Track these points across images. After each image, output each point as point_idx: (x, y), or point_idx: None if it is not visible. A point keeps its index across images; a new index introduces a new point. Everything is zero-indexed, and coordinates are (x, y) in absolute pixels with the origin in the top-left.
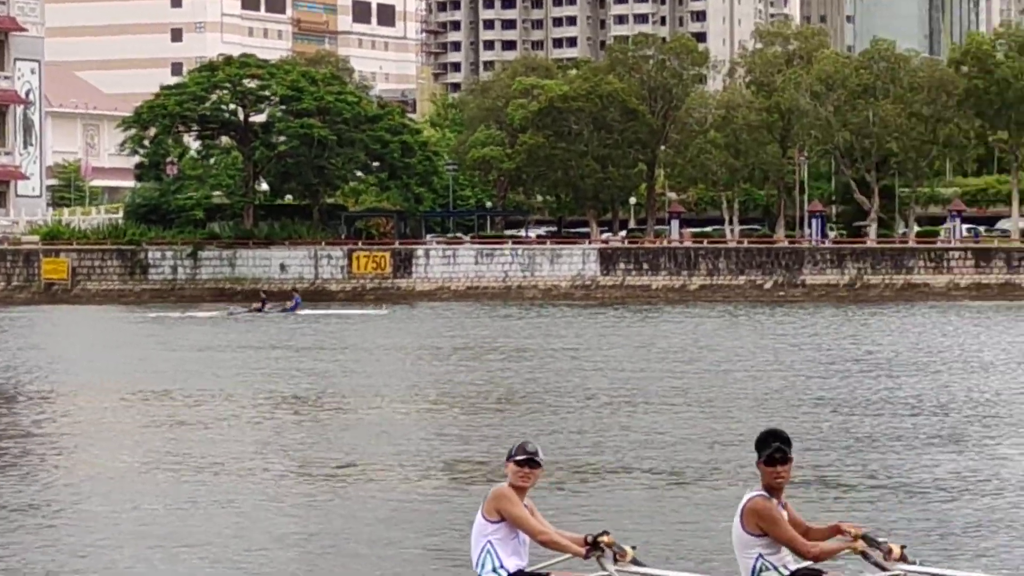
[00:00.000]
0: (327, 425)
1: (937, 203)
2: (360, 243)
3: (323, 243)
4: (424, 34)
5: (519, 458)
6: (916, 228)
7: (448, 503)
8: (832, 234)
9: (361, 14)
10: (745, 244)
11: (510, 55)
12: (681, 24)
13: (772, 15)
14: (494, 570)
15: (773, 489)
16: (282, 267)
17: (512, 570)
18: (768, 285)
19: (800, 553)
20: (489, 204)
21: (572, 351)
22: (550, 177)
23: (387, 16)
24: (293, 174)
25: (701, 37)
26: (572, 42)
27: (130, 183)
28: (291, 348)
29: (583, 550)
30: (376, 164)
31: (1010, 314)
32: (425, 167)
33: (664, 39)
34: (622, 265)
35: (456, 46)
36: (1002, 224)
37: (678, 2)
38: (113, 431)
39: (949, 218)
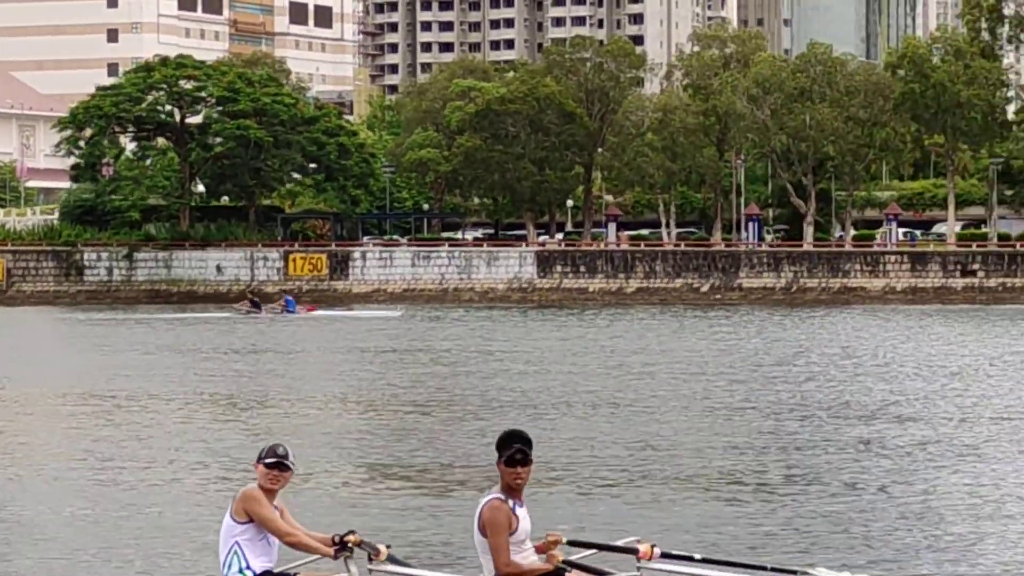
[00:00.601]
0: (255, 427)
1: (873, 207)
2: (296, 245)
3: (259, 245)
4: (361, 36)
5: (268, 461)
6: (852, 232)
7: (373, 503)
8: (769, 237)
9: (298, 15)
10: (682, 247)
11: (447, 57)
12: (618, 27)
13: (709, 18)
14: (240, 571)
15: (512, 490)
16: (218, 269)
17: (259, 571)
18: (705, 288)
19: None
20: (426, 206)
21: (503, 354)
22: (487, 179)
23: (324, 18)
24: (229, 175)
25: (638, 40)
26: (509, 44)
27: (66, 184)
28: (231, 351)
29: (331, 550)
30: (313, 166)
31: (938, 318)
32: (362, 169)
33: (601, 42)
34: (559, 268)
35: (393, 48)
36: (938, 228)
37: (615, 5)
38: (46, 433)
39: (885, 222)
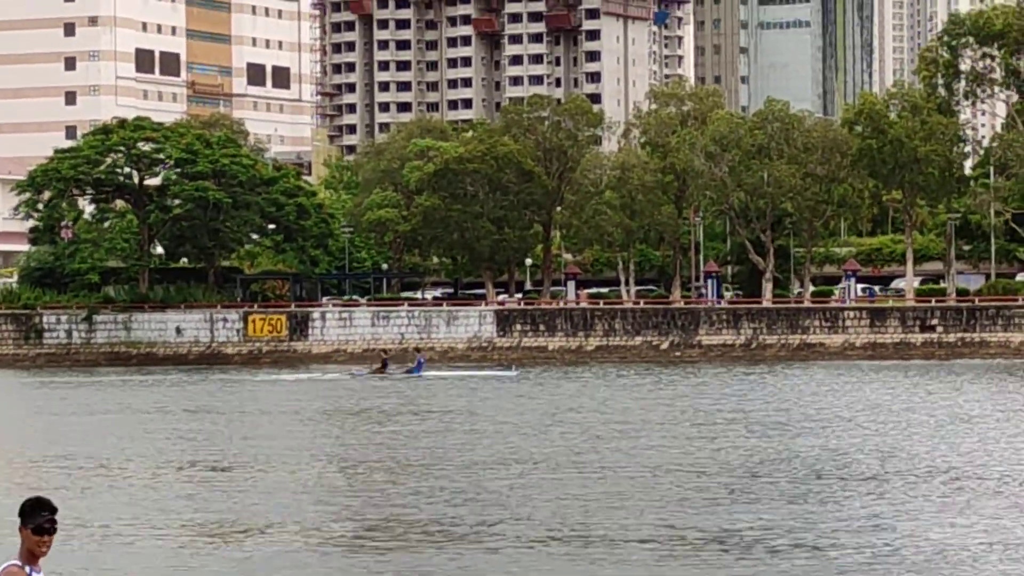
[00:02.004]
0: (216, 487)
1: (832, 263)
2: (256, 306)
3: (219, 306)
4: (319, 96)
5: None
6: (811, 288)
7: (334, 561)
8: (728, 294)
9: (256, 77)
10: (641, 305)
11: (405, 117)
12: (576, 85)
13: (666, 76)
14: None
15: (34, 556)
16: (178, 330)
17: None
18: (664, 346)
19: None
20: (385, 266)
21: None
22: (446, 239)
23: (282, 78)
24: (188, 237)
25: (596, 98)
26: (467, 104)
27: (24, 247)
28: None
29: None
30: (272, 226)
31: (897, 374)
32: (321, 229)
33: (559, 100)
34: (519, 326)
35: (351, 108)
36: (897, 283)
37: (572, 63)
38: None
39: (844, 278)
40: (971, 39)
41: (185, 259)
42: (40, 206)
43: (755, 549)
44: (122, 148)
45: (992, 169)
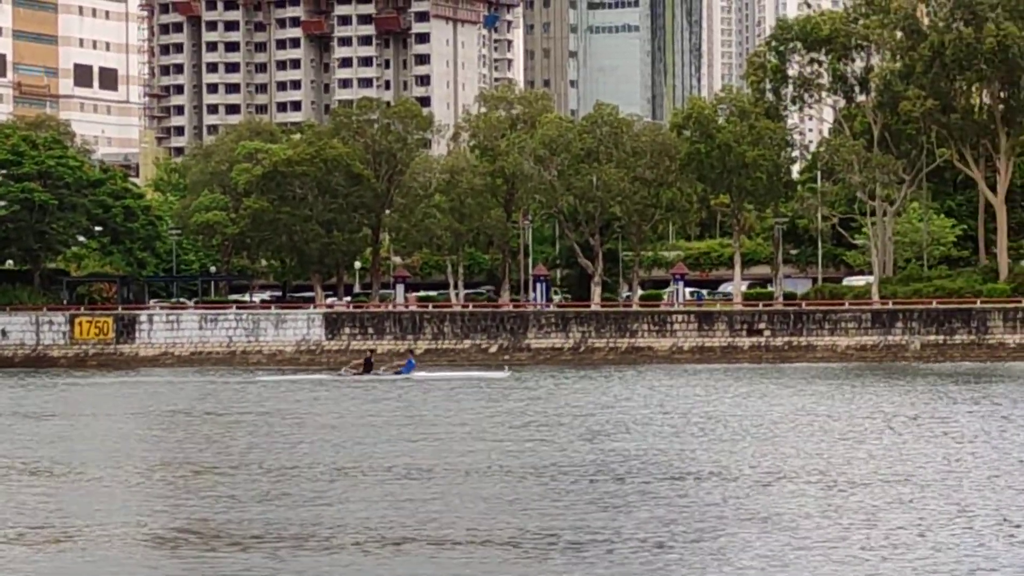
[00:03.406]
0: (38, 491)
1: (660, 266)
2: (82, 308)
3: (44, 308)
4: (147, 98)
5: None
6: (640, 292)
7: (153, 565)
8: (557, 298)
9: (83, 78)
10: (470, 308)
11: (234, 119)
12: (405, 88)
13: (496, 79)
14: None
15: None
16: (3, 333)
17: None
18: (493, 349)
19: None
20: (213, 269)
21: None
22: (274, 241)
23: (109, 80)
24: (13, 239)
25: (425, 101)
26: (296, 106)
27: None
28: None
29: None
30: (98, 229)
31: (721, 377)
32: (148, 231)
33: (388, 103)
34: (347, 329)
35: (179, 110)
36: (724, 287)
37: (402, 66)
38: None
39: (672, 281)
40: (799, 44)
41: (10, 261)
42: None
43: (564, 549)
44: None
45: (819, 174)
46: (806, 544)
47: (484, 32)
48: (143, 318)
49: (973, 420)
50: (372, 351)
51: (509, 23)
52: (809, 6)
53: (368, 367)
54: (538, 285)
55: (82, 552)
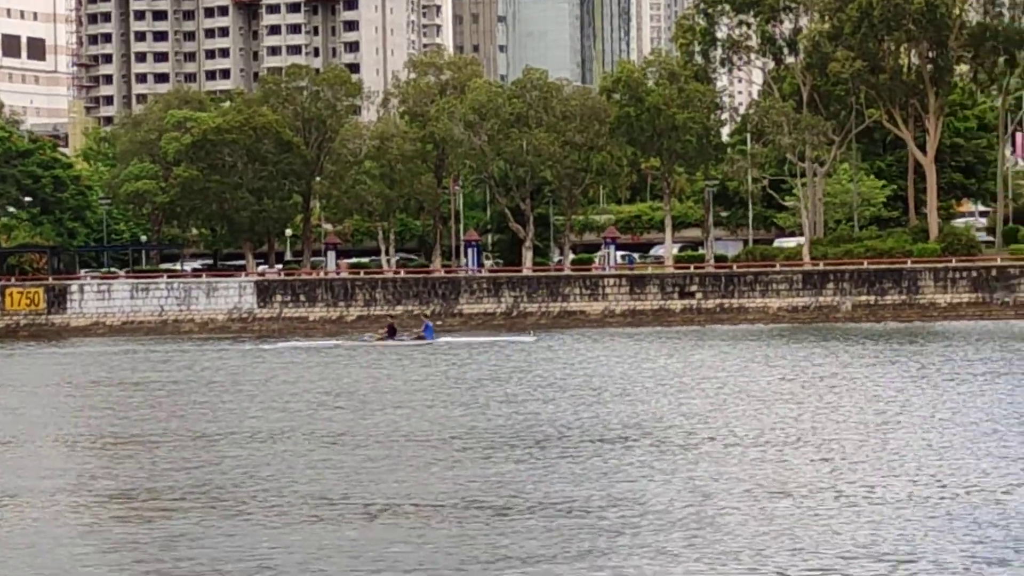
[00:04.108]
0: None
1: (592, 230)
2: (13, 279)
3: None
4: (75, 68)
5: None
6: (571, 256)
7: (95, 533)
8: (488, 263)
9: (10, 48)
10: (402, 274)
11: (163, 88)
12: (335, 55)
13: (425, 45)
14: None
15: None
16: None
17: None
18: (426, 314)
19: None
20: (144, 238)
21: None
22: (205, 210)
23: (37, 50)
24: None
25: (354, 68)
26: (225, 74)
27: None
28: None
29: None
30: (28, 199)
31: (653, 340)
32: (78, 202)
33: (318, 70)
34: (279, 297)
35: (108, 79)
36: (656, 250)
37: (331, 33)
38: None
39: (603, 245)
40: (727, 7)
41: None
42: None
43: (500, 510)
44: None
45: (749, 136)
46: (708, 503)
47: None
48: (74, 288)
49: (896, 380)
50: (393, 317)
51: None
52: None
53: (392, 333)
54: (469, 250)
55: (8, 523)
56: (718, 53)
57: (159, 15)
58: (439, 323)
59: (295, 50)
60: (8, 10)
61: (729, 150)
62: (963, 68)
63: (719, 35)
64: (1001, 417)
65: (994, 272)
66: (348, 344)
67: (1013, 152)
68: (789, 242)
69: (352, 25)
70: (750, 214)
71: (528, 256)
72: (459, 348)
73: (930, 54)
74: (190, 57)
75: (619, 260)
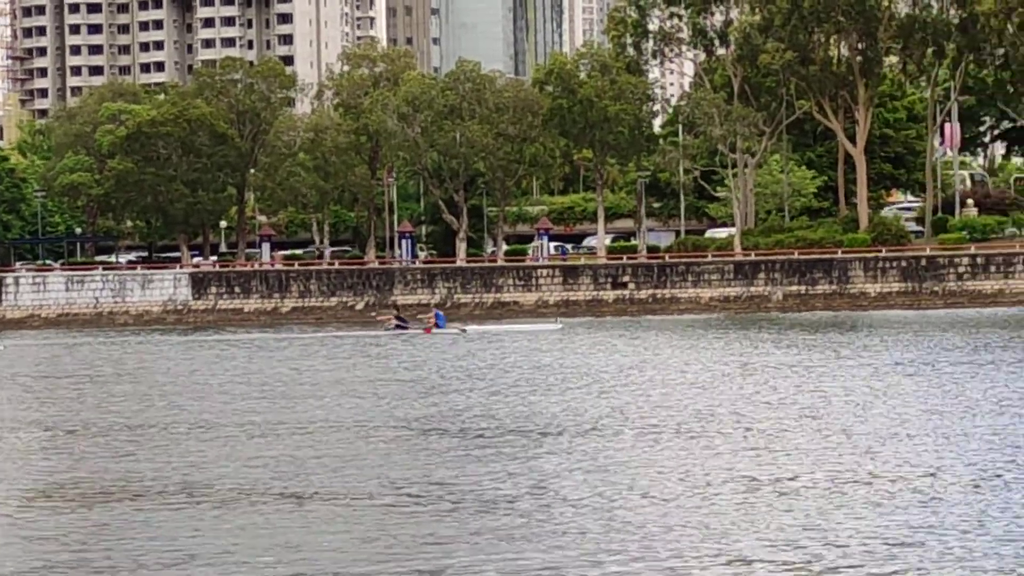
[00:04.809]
0: None
1: (525, 221)
2: None
3: None
4: (10, 60)
5: None
6: (505, 247)
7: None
8: (423, 254)
9: None
10: (336, 266)
11: (98, 80)
12: (268, 47)
13: (359, 38)
14: None
15: None
16: None
17: None
18: (360, 306)
19: None
20: (79, 230)
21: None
22: (140, 202)
23: None
24: None
25: (288, 60)
26: (160, 67)
27: None
28: None
29: None
30: None
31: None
32: (13, 194)
33: (252, 63)
34: (214, 289)
35: (43, 72)
36: (589, 241)
37: (265, 26)
38: None
39: (537, 236)
40: None
41: None
42: None
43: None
44: None
45: (680, 127)
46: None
47: None
48: (9, 280)
49: (826, 368)
50: (396, 305)
51: None
52: None
53: (402, 322)
54: (403, 242)
55: None
56: (650, 45)
57: (93, 8)
58: (372, 314)
59: (229, 43)
60: None
61: (661, 141)
62: (892, 59)
63: (651, 27)
64: (924, 402)
65: (923, 262)
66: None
67: (942, 143)
68: (721, 232)
69: (286, 18)
70: (682, 205)
71: (462, 247)
72: (490, 338)
73: (859, 46)
74: (124, 50)
75: (552, 251)
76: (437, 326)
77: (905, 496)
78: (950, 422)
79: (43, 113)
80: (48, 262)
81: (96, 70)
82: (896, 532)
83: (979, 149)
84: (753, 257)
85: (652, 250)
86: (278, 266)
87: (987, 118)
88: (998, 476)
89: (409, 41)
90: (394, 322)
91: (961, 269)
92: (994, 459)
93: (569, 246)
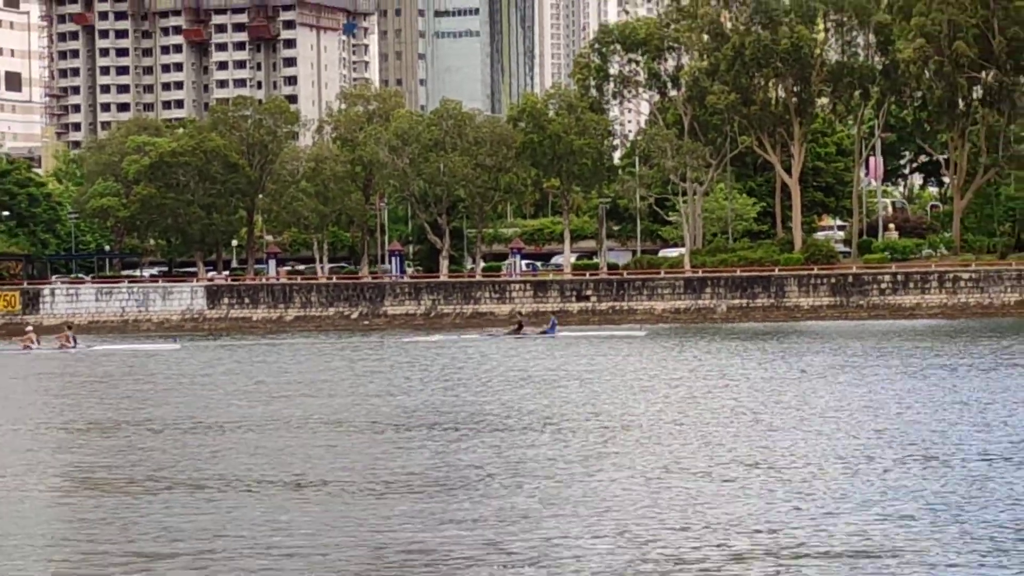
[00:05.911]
0: None
1: (500, 242)
2: None
3: None
4: (48, 98)
5: None
6: (482, 264)
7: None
8: (410, 270)
9: None
10: (334, 280)
11: (125, 116)
12: (275, 88)
13: (355, 79)
14: None
15: None
16: None
17: None
18: (355, 315)
19: None
20: (107, 248)
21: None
22: (161, 223)
23: (14, 82)
24: None
25: (293, 99)
26: (180, 104)
27: None
28: None
29: None
30: (6, 213)
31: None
32: (50, 216)
33: (261, 101)
34: (226, 300)
35: (76, 108)
36: (556, 259)
37: (272, 68)
38: None
39: (510, 255)
40: (619, 46)
41: None
42: None
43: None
44: None
45: (637, 159)
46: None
47: (344, 38)
48: (46, 292)
49: (756, 370)
50: (520, 314)
51: (365, 30)
52: (627, 13)
53: (520, 328)
54: (393, 259)
55: None
56: (610, 87)
57: (121, 52)
58: (366, 323)
59: (241, 83)
60: None
61: (620, 172)
62: (823, 101)
63: (611, 71)
64: (859, 400)
65: (850, 279)
66: (481, 338)
67: (867, 174)
68: (672, 252)
69: (291, 61)
70: (638, 228)
71: (444, 264)
72: (580, 342)
73: (795, 88)
74: (148, 89)
75: (524, 268)
76: (544, 333)
77: (770, 482)
78: (844, 416)
79: (76, 144)
80: (80, 276)
81: (123, 107)
82: (769, 514)
83: (899, 180)
84: (700, 274)
85: (612, 267)
86: (283, 280)
87: (907, 152)
88: (873, 460)
89: (399, 82)
90: (513, 327)
91: (883, 285)
92: (881, 448)
93: (539, 263)
